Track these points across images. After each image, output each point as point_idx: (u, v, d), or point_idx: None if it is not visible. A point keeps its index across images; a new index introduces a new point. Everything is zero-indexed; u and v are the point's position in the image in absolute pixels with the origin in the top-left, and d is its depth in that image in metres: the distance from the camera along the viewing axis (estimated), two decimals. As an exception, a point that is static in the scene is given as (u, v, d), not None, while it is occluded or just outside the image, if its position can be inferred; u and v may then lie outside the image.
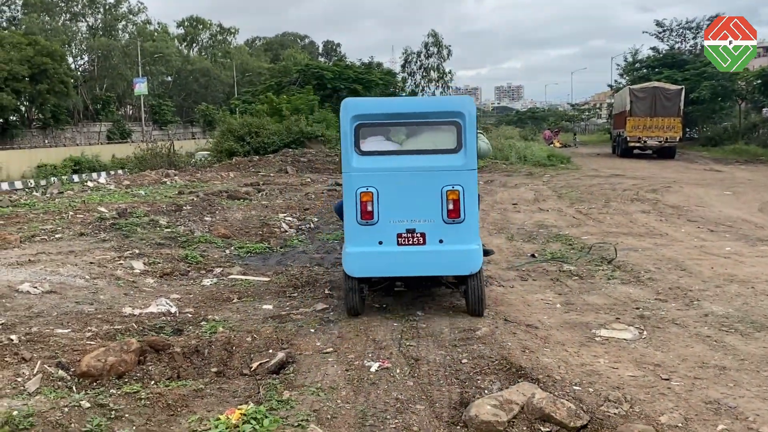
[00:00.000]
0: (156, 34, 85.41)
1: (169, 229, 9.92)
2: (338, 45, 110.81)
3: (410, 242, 5.98)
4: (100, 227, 9.75)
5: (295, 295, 7.10)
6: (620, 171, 24.61)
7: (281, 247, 9.48)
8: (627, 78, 64.89)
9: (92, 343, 5.36)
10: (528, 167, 25.43)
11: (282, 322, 6.05)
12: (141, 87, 59.31)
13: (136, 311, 6.26)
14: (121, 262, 7.97)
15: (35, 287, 6.77)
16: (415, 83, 63.92)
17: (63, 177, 27.84)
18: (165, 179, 19.39)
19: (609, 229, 11.43)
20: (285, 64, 51.00)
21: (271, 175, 21.09)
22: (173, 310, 6.32)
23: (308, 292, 7.22)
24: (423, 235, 5.97)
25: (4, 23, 66.54)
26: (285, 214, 11.85)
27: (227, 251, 9.12)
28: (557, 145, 46.39)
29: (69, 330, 5.73)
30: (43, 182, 20.26)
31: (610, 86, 70.22)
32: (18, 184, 35.43)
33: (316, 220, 11.65)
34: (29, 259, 7.83)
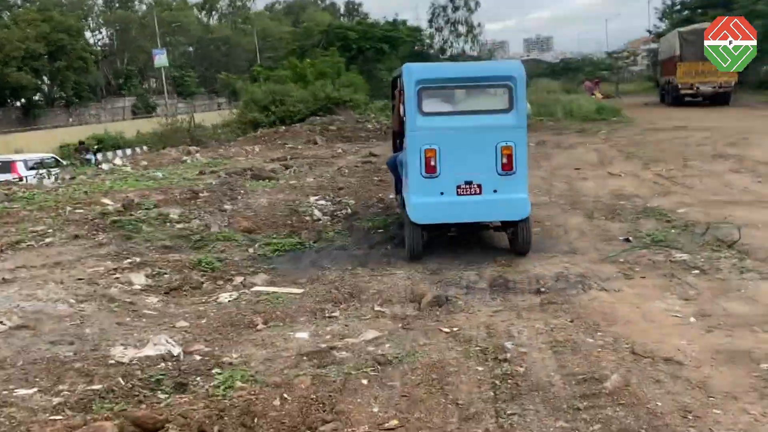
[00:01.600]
0: (174, 3, 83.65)
1: (181, 225, 8.31)
2: (359, 5, 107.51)
3: (468, 192, 6.70)
4: (99, 226, 8.16)
5: (336, 314, 5.44)
6: (680, 122, 22.38)
7: (314, 242, 7.82)
8: (667, 22, 61.54)
9: (57, 417, 3.80)
10: (577, 123, 23.33)
11: (322, 364, 4.40)
12: (161, 59, 57.66)
13: (128, 354, 4.66)
14: (118, 275, 6.38)
15: (1, 321, 5.22)
16: (443, 39, 61.37)
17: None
18: (186, 157, 17.84)
19: (704, 196, 9.55)
20: (307, 26, 48.83)
21: (299, 147, 19.41)
22: (176, 351, 4.71)
23: (353, 308, 5.56)
24: (479, 186, 6.69)
25: (19, 1, 65.22)
26: (317, 197, 10.16)
27: (250, 250, 7.49)
28: (599, 96, 43.80)
29: (34, 390, 4.18)
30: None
31: (649, 31, 66.81)
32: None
33: (353, 203, 9.94)
34: (3, 278, 6.27)
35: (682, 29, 33.74)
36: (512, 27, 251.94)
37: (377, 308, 5.50)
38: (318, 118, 25.92)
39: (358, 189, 11.01)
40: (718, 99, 32.10)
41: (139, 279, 6.29)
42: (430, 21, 63.32)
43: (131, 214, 8.59)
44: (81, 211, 9.23)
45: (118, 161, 18.45)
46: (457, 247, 7.42)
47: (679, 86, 32.30)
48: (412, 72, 6.80)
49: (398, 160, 7.86)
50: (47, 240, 7.75)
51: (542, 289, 5.74)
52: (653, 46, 78.19)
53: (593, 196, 10.03)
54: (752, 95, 35.65)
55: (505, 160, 6.63)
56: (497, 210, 6.81)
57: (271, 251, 7.44)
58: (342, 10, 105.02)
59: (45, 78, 57.43)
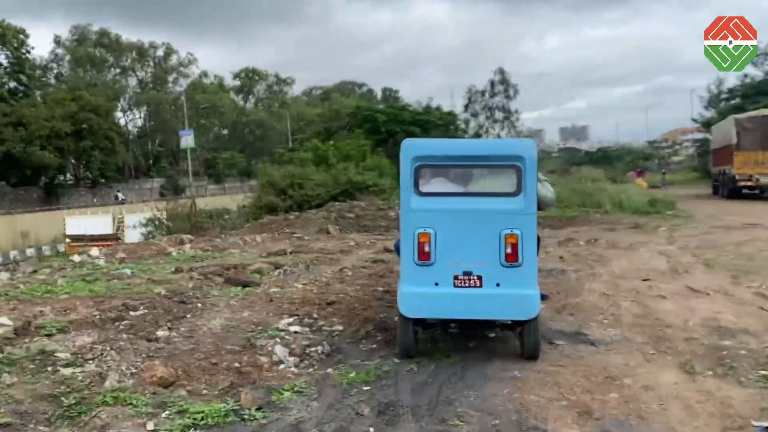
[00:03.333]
0: (211, 86, 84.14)
1: (68, 370, 5.53)
2: (396, 92, 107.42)
3: (467, 284, 5.92)
4: (-56, 371, 5.44)
5: None
6: (748, 218, 19.38)
7: (258, 409, 4.95)
8: (713, 110, 59.38)
9: None
10: (629, 217, 20.42)
11: None
12: (188, 140, 56.43)
13: None
14: None
15: None
16: (478, 125, 59.60)
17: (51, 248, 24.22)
18: (173, 249, 15.32)
19: None
20: (336, 108, 47.30)
21: (307, 237, 16.77)
22: None
23: None
24: (480, 277, 5.90)
25: (53, 80, 65.48)
26: (292, 320, 7.33)
27: (149, 426, 4.66)
28: (643, 185, 41.03)
29: None
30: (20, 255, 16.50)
31: (695, 120, 64.34)
32: (46, 250, 32.29)
33: (340, 330, 7.10)
34: None
35: (738, 116, 31.08)
36: (548, 116, 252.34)
37: None
38: (337, 203, 23.48)
39: (353, 305, 8.15)
40: (778, 192, 29.25)
41: None
42: (466, 106, 62.05)
43: (0, 353, 5.85)
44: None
45: (94, 252, 15.96)
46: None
47: (737, 177, 29.47)
48: (410, 148, 6.09)
49: None
50: None
51: None
52: (698, 135, 75.81)
53: (682, 328, 7.04)
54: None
55: (509, 250, 5.84)
56: (500, 306, 5.96)
57: (182, 428, 4.59)
58: (379, 97, 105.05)
59: (70, 157, 56.63)
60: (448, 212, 5.98)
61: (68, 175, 61.64)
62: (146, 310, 7.46)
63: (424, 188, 6.07)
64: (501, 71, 60.77)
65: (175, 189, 69.27)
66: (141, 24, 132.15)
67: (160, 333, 6.72)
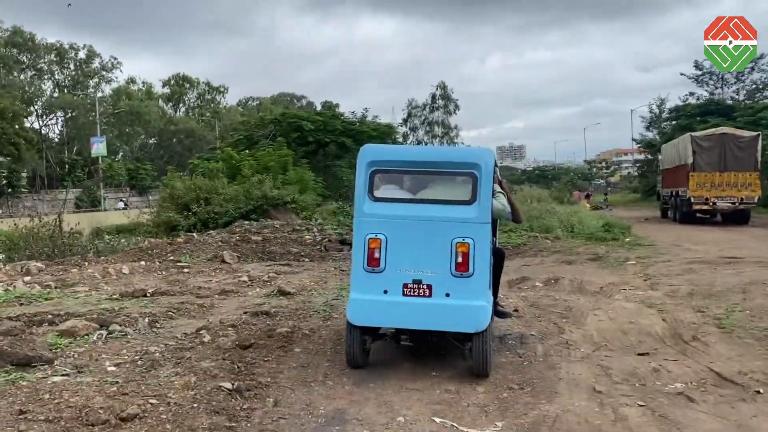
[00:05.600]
0: (138, 93, 79.37)
1: None
2: (337, 105, 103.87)
3: (416, 293, 5.77)
4: None
5: None
6: (716, 247, 16.74)
7: None
8: (655, 131, 58.31)
9: None
10: (583, 243, 17.40)
11: None
12: (99, 147, 51.65)
13: None
14: None
15: None
16: (417, 139, 56.88)
17: None
18: (2, 282, 11.46)
19: None
20: (261, 115, 43.40)
21: (186, 270, 13.02)
22: None
23: None
24: (429, 287, 5.74)
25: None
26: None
27: None
28: (587, 207, 38.70)
29: None
30: None
31: (635, 140, 63.18)
32: None
33: None
34: None
35: (696, 134, 28.77)
36: (487, 135, 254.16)
37: None
38: (246, 222, 19.83)
39: (163, 426, 4.57)
40: (736, 217, 27.08)
41: None
42: (406, 120, 59.42)
43: None
44: None
45: None
46: None
47: (692, 200, 27.12)
48: (367, 152, 6.05)
49: None
50: None
51: None
52: (637, 156, 74.93)
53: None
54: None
55: (460, 259, 5.60)
56: (448, 318, 5.65)
57: None
58: (319, 110, 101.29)
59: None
60: (400, 218, 5.81)
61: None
62: None
63: (378, 193, 5.95)
64: (443, 86, 58.61)
65: (93, 201, 64.17)
66: (82, 30, 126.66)
67: None
